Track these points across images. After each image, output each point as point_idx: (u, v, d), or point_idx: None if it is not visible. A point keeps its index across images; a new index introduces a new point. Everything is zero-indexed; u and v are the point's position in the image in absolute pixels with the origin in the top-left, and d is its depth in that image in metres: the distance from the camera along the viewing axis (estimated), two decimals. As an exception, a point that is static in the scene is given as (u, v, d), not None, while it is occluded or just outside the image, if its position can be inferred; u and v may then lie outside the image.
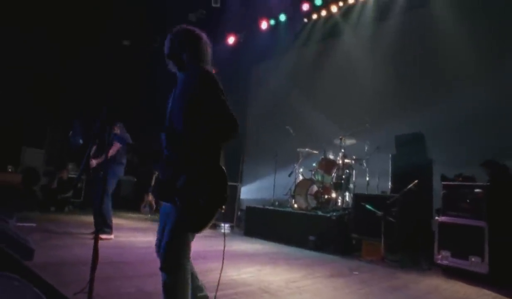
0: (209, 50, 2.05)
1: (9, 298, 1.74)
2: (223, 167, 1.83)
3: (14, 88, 7.53)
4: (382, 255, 4.79)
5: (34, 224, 5.49)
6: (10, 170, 7.41)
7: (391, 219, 4.86)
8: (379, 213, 4.94)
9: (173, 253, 1.72)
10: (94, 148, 5.31)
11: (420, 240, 4.95)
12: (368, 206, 5.09)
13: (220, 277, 2.00)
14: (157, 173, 6.74)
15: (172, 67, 2.03)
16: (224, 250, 1.91)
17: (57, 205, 7.80)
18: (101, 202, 4.16)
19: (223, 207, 1.79)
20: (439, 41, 6.56)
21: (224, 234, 2.05)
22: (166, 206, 1.90)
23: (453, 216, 4.30)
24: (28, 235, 4.37)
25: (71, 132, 9.11)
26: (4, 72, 7.36)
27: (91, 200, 7.60)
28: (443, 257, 4.25)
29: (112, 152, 4.94)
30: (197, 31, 2.04)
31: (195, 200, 1.71)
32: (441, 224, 4.35)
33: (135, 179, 10.11)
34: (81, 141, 9.30)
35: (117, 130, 5.05)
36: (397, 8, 7.26)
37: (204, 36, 2.05)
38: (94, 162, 5.16)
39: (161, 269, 1.73)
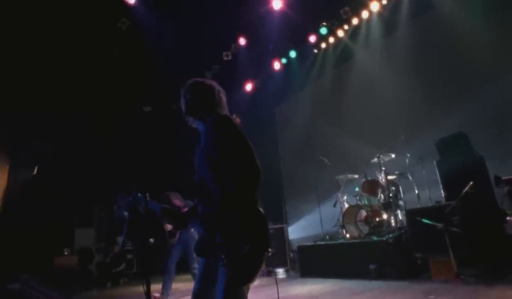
0: (222, 97, 2.09)
1: None
2: (261, 209, 1.77)
3: (59, 175, 8.08)
4: (456, 271, 4.33)
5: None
6: (66, 253, 7.73)
7: (454, 229, 4.46)
8: (439, 225, 4.57)
9: None
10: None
11: (496, 247, 4.46)
12: (424, 220, 4.73)
13: None
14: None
15: (192, 122, 2.07)
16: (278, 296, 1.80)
17: (112, 279, 7.93)
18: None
19: (270, 250, 1.72)
20: (453, 40, 6.41)
21: (276, 280, 1.94)
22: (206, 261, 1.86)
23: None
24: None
25: (115, 207, 9.48)
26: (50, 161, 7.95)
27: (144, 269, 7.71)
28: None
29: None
30: (208, 81, 2.10)
31: (238, 251, 1.65)
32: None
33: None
34: (126, 214, 9.65)
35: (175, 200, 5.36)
36: (402, 18, 7.26)
37: (215, 84, 2.10)
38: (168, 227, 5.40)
39: None
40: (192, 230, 5.52)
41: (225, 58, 9.48)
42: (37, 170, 7.72)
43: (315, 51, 9.03)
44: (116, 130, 9.16)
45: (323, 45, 8.81)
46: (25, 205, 7.28)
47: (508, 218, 4.02)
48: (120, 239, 9.04)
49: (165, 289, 5.12)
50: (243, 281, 1.67)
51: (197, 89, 2.04)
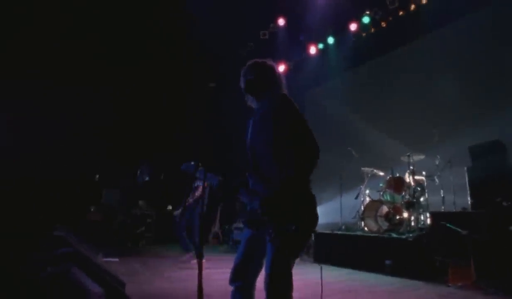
0: (282, 78, 2.14)
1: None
2: (311, 190, 1.84)
3: (92, 138, 8.45)
4: (474, 279, 4.35)
5: (117, 259, 5.89)
6: (92, 209, 8.13)
7: (479, 237, 4.44)
8: (464, 232, 4.55)
9: (279, 283, 1.74)
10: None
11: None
12: (449, 225, 4.71)
13: None
14: (222, 205, 7.21)
15: (250, 101, 2.13)
16: (322, 286, 1.89)
17: (132, 240, 8.31)
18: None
19: (316, 230, 1.81)
20: (506, 40, 6.09)
21: (321, 270, 2.01)
22: (250, 232, 1.93)
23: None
24: (115, 269, 4.70)
25: (138, 172, 9.83)
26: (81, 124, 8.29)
27: (162, 234, 8.07)
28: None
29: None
30: (268, 62, 2.14)
31: (286, 228, 1.73)
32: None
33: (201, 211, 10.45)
34: (147, 179, 9.98)
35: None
36: (454, 11, 6.89)
37: (275, 65, 2.15)
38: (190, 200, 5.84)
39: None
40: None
41: (261, 37, 9.41)
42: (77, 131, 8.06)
43: (354, 39, 8.82)
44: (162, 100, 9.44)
45: (364, 34, 8.58)
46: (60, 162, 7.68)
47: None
48: (141, 202, 9.38)
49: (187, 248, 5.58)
50: (289, 256, 1.76)
51: (258, 69, 2.09)
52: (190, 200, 5.87)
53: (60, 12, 7.56)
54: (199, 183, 5.89)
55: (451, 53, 6.88)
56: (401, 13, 7.73)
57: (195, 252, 5.43)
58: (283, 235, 1.73)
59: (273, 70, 2.10)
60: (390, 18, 7.99)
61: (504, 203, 4.47)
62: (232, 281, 1.95)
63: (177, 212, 6.05)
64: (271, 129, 1.88)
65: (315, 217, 1.81)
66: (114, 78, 8.76)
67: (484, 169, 5.50)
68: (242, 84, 2.10)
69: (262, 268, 1.90)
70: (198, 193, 5.88)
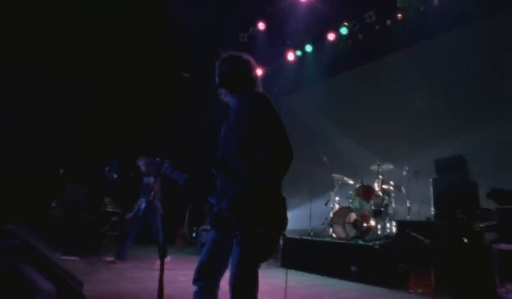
0: (258, 73, 2.09)
1: None
2: (282, 194, 1.80)
3: (60, 133, 8.08)
4: (433, 287, 4.49)
5: (77, 258, 5.60)
6: (53, 205, 7.70)
7: (440, 247, 4.60)
8: (427, 240, 4.70)
9: (244, 285, 1.69)
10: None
11: (475, 271, 4.61)
12: (413, 234, 4.85)
13: None
14: (190, 206, 7.02)
15: (224, 95, 2.06)
16: (286, 287, 1.85)
17: (95, 238, 7.95)
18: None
19: (284, 233, 1.77)
20: (477, 58, 6.39)
21: (286, 274, 1.98)
22: (216, 232, 1.88)
23: None
24: (74, 268, 4.46)
25: (107, 168, 9.47)
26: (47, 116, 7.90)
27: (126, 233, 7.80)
28: (509, 291, 3.92)
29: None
30: (244, 56, 2.08)
31: (254, 231, 1.68)
32: (501, 252, 4.05)
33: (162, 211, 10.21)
34: (115, 176, 9.64)
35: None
36: (426, 29, 7.15)
37: (251, 59, 2.09)
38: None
39: None
40: (156, 201, 5.67)
41: (240, 40, 9.39)
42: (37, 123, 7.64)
43: (332, 49, 8.98)
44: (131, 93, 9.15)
45: (341, 45, 8.76)
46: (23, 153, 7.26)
47: (494, 245, 4.14)
48: (107, 200, 9.03)
49: (122, 255, 5.37)
50: (256, 260, 1.71)
51: (234, 63, 2.02)
52: (142, 199, 5.75)
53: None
54: (148, 180, 5.69)
55: (422, 70, 7.16)
56: (377, 27, 7.96)
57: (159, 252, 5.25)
58: (251, 237, 1.68)
59: (249, 65, 2.04)
60: (367, 32, 8.21)
61: (459, 215, 4.66)
62: (196, 280, 1.89)
63: (129, 215, 5.87)
64: (247, 128, 1.83)
65: (285, 220, 1.77)
66: (87, 67, 8.42)
67: (447, 182, 5.73)
68: (216, 77, 2.03)
69: (226, 268, 1.85)
70: (156, 188, 5.73)
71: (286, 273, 2.00)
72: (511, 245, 3.98)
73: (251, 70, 2.02)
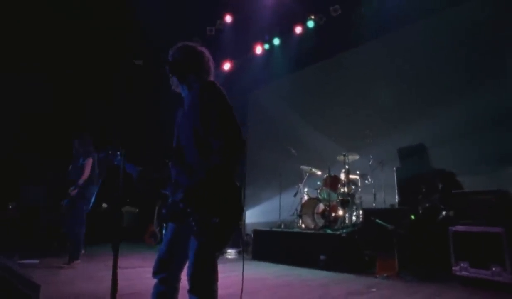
0: (211, 65, 2.04)
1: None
2: (237, 183, 1.77)
3: (14, 128, 7.60)
4: (397, 270, 4.66)
5: (37, 261, 5.33)
6: (10, 207, 7.28)
7: (402, 232, 4.77)
8: (390, 227, 4.86)
9: (202, 275, 1.66)
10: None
11: (433, 252, 4.84)
12: (378, 221, 5.00)
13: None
14: (160, 202, 6.75)
15: (176, 86, 2.00)
16: (243, 276, 1.84)
17: (59, 239, 7.60)
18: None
19: (240, 223, 1.75)
20: (437, 50, 6.63)
21: (243, 259, 1.96)
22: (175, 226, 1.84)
23: (466, 224, 4.22)
24: (32, 272, 4.24)
25: (70, 167, 9.08)
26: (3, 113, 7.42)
27: (92, 233, 7.49)
28: (462, 268, 4.13)
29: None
30: (199, 47, 2.03)
31: (208, 222, 1.66)
32: (455, 233, 4.26)
33: (137, 210, 9.95)
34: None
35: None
36: (389, 23, 7.35)
37: (206, 51, 2.04)
38: (73, 192, 5.31)
39: (191, 292, 1.66)
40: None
41: (208, 33, 9.26)
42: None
43: (299, 42, 9.04)
44: (89, 82, 8.74)
45: (308, 38, 8.84)
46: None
47: (450, 227, 4.33)
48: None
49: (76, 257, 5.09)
50: (212, 250, 1.68)
51: (187, 52, 1.97)
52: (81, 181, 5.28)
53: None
54: (83, 161, 5.30)
55: (384, 62, 7.35)
56: (342, 21, 8.10)
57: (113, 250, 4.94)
58: (206, 228, 1.65)
59: (203, 55, 1.99)
60: (333, 25, 8.32)
61: (424, 202, 4.87)
62: (155, 273, 1.85)
63: (65, 202, 5.39)
64: (198, 118, 1.79)
65: (240, 209, 1.74)
66: (41, 60, 7.96)
67: (410, 170, 5.98)
68: (167, 66, 1.96)
69: (186, 260, 1.80)
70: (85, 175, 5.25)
71: (243, 264, 1.99)
72: (464, 226, 4.20)
73: (203, 61, 1.97)
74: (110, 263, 4.92)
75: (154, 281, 1.88)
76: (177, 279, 1.86)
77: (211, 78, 2.01)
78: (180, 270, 1.85)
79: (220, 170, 1.69)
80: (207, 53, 2.04)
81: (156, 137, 8.43)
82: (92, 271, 4.77)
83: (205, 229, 1.64)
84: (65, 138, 8.28)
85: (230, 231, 1.70)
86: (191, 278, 1.67)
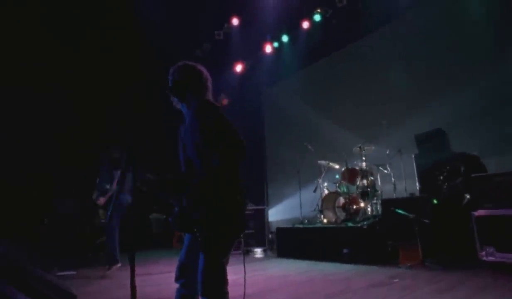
0: (209, 85, 2.14)
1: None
2: (240, 196, 1.86)
3: (44, 144, 8.03)
4: (420, 259, 4.62)
5: (74, 272, 5.66)
6: (46, 221, 7.74)
7: (424, 220, 4.73)
8: (411, 216, 4.82)
9: (211, 280, 1.78)
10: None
11: (458, 238, 4.76)
12: (398, 210, 4.97)
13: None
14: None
15: (176, 103, 2.12)
16: (244, 276, 1.95)
17: (93, 250, 8.01)
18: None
19: (241, 235, 1.85)
20: (449, 34, 6.47)
21: (244, 259, 2.06)
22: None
23: (490, 208, 4.13)
24: (70, 282, 4.53)
25: (98, 179, 9.49)
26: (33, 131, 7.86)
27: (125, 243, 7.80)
28: (488, 253, 4.05)
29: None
30: (198, 66, 2.13)
31: (213, 230, 1.77)
32: (479, 218, 4.18)
33: (165, 216, 10.28)
34: (108, 187, 9.65)
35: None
36: (398, 7, 7.16)
37: (204, 70, 2.14)
38: (102, 200, 5.49)
39: (202, 294, 1.79)
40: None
41: (216, 37, 9.40)
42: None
43: (308, 37, 9.02)
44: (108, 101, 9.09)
45: (316, 32, 8.80)
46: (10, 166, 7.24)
47: (473, 212, 4.26)
48: (101, 211, 9.05)
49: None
50: (216, 259, 1.80)
51: (186, 72, 2.07)
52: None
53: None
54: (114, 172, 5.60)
55: (396, 48, 7.23)
56: (349, 11, 8.01)
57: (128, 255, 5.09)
58: (209, 238, 1.77)
59: (201, 75, 2.09)
60: (340, 16, 8.25)
61: (447, 188, 4.79)
62: (177, 278, 1.98)
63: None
64: (198, 134, 1.91)
65: (243, 222, 1.85)
66: (64, 78, 8.35)
67: (428, 156, 5.87)
68: (169, 85, 2.08)
69: None
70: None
71: (244, 260, 2.09)
72: (488, 210, 4.11)
73: (202, 81, 2.07)
74: (142, 270, 5.17)
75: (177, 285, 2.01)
76: (197, 282, 1.98)
77: (210, 95, 2.11)
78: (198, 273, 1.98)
79: (219, 171, 1.81)
80: (205, 72, 2.15)
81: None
82: (126, 279, 5.01)
83: (208, 238, 1.77)
84: (88, 150, 8.69)
85: (232, 241, 1.82)
86: (202, 283, 1.80)
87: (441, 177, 5.19)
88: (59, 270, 5.60)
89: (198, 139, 1.91)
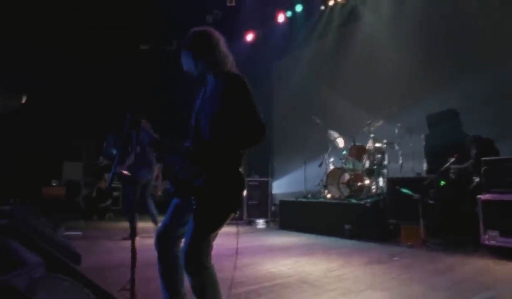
0: (221, 45, 2.00)
1: (62, 297, 1.87)
2: (242, 172, 1.83)
3: (49, 109, 8.05)
4: (422, 238, 4.63)
5: (80, 233, 5.81)
6: (54, 184, 7.89)
7: (429, 201, 4.69)
8: (416, 196, 4.78)
9: (195, 254, 1.74)
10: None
11: (462, 221, 4.73)
12: (403, 190, 4.93)
13: (233, 273, 2.01)
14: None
15: (192, 71, 2.01)
16: (237, 245, 1.93)
17: (98, 213, 8.20)
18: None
19: (237, 211, 1.82)
20: (465, 12, 6.20)
21: (238, 230, 2.01)
22: (180, 201, 1.93)
23: (497, 193, 4.07)
24: (75, 242, 4.65)
25: (105, 144, 9.57)
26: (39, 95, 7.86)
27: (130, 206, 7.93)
28: (491, 237, 4.03)
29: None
30: (217, 32, 2.01)
31: (210, 201, 1.74)
32: (485, 202, 4.13)
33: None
34: (114, 152, 9.75)
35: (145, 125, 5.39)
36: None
37: (213, 32, 1.99)
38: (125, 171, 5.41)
39: (187, 270, 1.75)
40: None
41: (228, 4, 9.08)
42: (26, 99, 7.58)
43: (322, 8, 8.69)
44: (111, 65, 8.95)
45: (331, 2, 8.47)
46: (14, 134, 7.30)
47: (479, 196, 4.20)
48: (107, 175, 9.18)
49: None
50: (208, 230, 1.77)
51: (206, 38, 1.94)
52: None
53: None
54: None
55: (412, 24, 6.94)
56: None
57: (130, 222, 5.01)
58: (204, 210, 1.74)
59: (210, 38, 1.94)
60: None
61: (452, 166, 4.70)
62: (157, 243, 1.93)
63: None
64: (219, 106, 1.83)
65: (239, 198, 1.81)
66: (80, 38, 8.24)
67: (439, 136, 5.75)
68: (182, 56, 1.97)
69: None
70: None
71: (238, 233, 2.08)
72: (493, 195, 4.05)
73: (222, 47, 1.96)
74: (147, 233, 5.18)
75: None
76: (177, 250, 1.94)
77: (232, 62, 2.00)
78: (180, 241, 1.93)
79: (229, 144, 1.77)
80: (215, 34, 2.01)
81: (172, 120, 8.54)
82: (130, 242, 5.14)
83: (203, 210, 1.74)
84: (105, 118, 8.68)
85: (226, 217, 1.79)
86: (185, 255, 1.75)
87: (451, 159, 5.07)
88: (65, 231, 5.75)
89: (218, 107, 1.83)
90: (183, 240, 1.84)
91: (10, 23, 7.53)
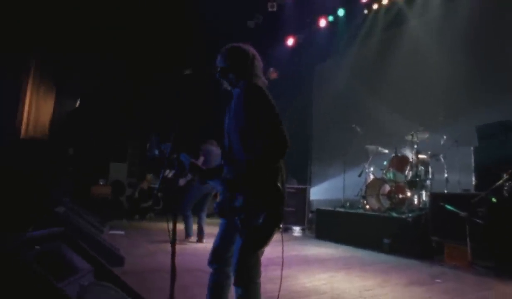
0: (257, 63, 2.06)
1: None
2: (279, 185, 1.83)
3: (99, 110, 8.58)
4: (470, 260, 4.35)
5: (123, 232, 6.14)
6: (101, 183, 8.40)
7: (478, 220, 4.40)
8: (463, 213, 4.51)
9: (245, 270, 1.80)
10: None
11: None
12: (448, 207, 4.67)
13: (280, 287, 2.02)
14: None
15: (226, 85, 2.10)
16: (282, 258, 1.92)
17: (140, 213, 8.61)
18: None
19: (280, 226, 1.82)
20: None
21: (282, 240, 1.99)
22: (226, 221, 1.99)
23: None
24: (119, 241, 4.92)
25: (148, 145, 9.99)
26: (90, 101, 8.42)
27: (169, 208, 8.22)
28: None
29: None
30: (244, 46, 2.06)
31: (252, 222, 1.77)
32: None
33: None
34: (156, 153, 10.18)
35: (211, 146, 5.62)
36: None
37: (251, 49, 2.06)
38: (182, 182, 5.64)
39: (235, 284, 1.82)
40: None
41: (270, 9, 9.12)
42: (80, 103, 8.18)
43: (366, 12, 8.46)
44: (157, 81, 9.38)
45: (375, 6, 8.22)
46: (68, 135, 7.87)
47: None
48: (149, 176, 9.59)
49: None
50: (254, 249, 1.81)
51: (233, 55, 2.02)
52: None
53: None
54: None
55: (461, 31, 6.54)
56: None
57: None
58: (250, 228, 1.77)
59: (248, 56, 2.02)
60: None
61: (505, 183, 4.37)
62: (210, 262, 2.03)
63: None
64: (243, 119, 1.88)
65: (282, 213, 1.82)
66: (120, 50, 8.71)
67: (491, 150, 5.37)
68: (217, 69, 2.06)
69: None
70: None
71: (282, 240, 2.07)
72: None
73: (249, 61, 2.01)
74: (193, 238, 5.35)
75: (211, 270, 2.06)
76: (229, 269, 2.03)
77: (259, 76, 2.05)
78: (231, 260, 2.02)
79: (259, 166, 1.79)
80: (252, 51, 2.05)
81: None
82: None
83: (249, 228, 1.77)
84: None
85: (270, 235, 1.80)
86: (235, 273, 1.82)
87: (504, 175, 4.72)
88: (110, 229, 6.11)
89: (242, 125, 1.88)
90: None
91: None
